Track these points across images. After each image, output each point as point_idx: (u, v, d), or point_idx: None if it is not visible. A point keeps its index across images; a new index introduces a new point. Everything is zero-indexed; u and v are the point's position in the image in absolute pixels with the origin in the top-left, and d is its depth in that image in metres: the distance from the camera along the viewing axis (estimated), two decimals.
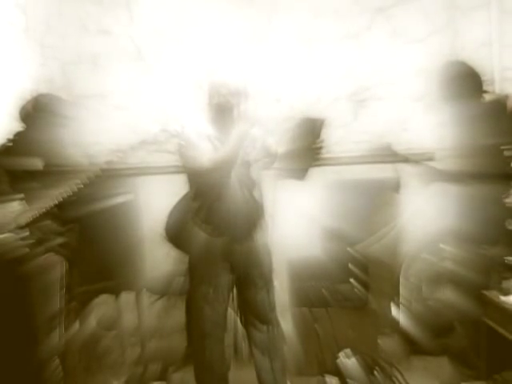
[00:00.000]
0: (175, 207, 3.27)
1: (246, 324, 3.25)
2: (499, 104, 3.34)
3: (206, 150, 3.02)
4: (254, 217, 3.13)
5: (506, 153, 3.21)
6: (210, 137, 3.07)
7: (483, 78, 3.37)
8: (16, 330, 2.94)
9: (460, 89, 3.33)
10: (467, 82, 3.35)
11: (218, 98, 3.06)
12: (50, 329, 3.14)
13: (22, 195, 3.20)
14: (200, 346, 3.17)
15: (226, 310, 3.21)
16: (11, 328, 2.92)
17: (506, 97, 3.37)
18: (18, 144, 3.29)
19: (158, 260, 3.68)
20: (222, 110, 3.05)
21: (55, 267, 3.26)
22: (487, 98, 3.37)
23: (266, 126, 3.16)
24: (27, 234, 3.05)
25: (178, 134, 3.07)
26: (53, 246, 3.24)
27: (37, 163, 3.21)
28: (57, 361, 3.20)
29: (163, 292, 3.74)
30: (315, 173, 3.27)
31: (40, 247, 3.11)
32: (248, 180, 3.10)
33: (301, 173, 3.14)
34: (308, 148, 3.07)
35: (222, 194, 3.02)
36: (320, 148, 3.08)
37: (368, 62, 3.90)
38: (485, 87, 3.37)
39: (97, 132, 3.46)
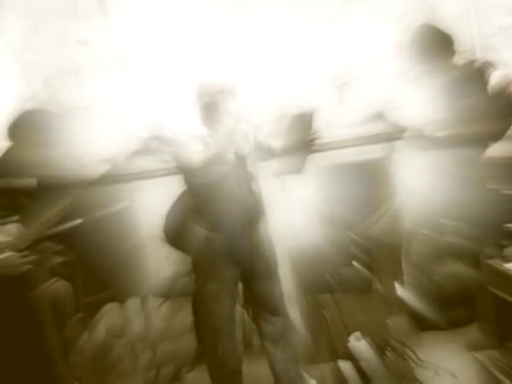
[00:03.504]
0: (171, 208, 3.27)
1: (256, 317, 3.26)
2: (470, 67, 3.40)
3: (198, 149, 3.03)
4: (253, 209, 3.13)
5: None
6: (201, 136, 3.08)
7: (453, 37, 3.43)
8: (32, 356, 2.95)
9: (430, 49, 3.39)
10: (435, 40, 3.42)
11: (206, 98, 3.08)
12: (65, 352, 3.15)
13: (17, 217, 3.20)
14: (212, 342, 3.17)
15: (235, 304, 3.21)
16: (27, 354, 2.93)
17: (473, 61, 3.44)
18: (9, 163, 3.30)
19: (160, 263, 3.69)
20: (211, 109, 3.06)
21: (62, 293, 3.28)
22: (460, 62, 3.44)
23: (254, 119, 3.16)
24: (27, 255, 3.05)
25: (169, 140, 3.07)
26: (54, 266, 3.25)
27: (30, 180, 3.22)
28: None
29: (168, 295, 3.75)
30: (307, 163, 3.29)
31: (42, 269, 3.11)
32: (245, 173, 3.11)
33: (297, 166, 3.17)
34: (302, 142, 3.09)
35: (219, 190, 3.03)
36: (314, 140, 3.10)
37: (347, 44, 3.92)
38: (456, 47, 3.44)
39: (86, 142, 3.46)
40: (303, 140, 3.09)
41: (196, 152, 3.00)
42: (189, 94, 3.14)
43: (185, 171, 3.12)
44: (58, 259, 3.25)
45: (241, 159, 3.10)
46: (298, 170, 3.20)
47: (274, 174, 3.24)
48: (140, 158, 3.49)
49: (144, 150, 3.16)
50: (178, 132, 3.07)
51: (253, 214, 3.14)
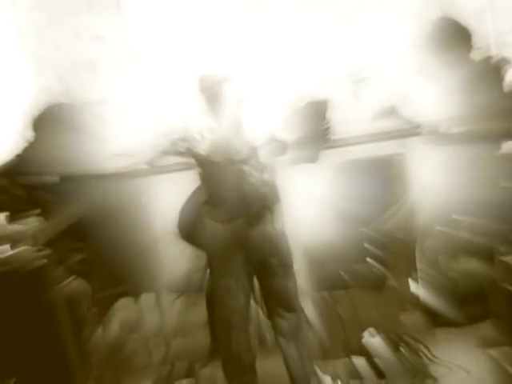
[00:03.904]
0: (186, 203, 3.29)
1: (270, 313, 3.25)
2: (487, 63, 3.42)
3: (208, 140, 3.06)
4: (265, 199, 3.12)
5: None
6: (210, 128, 3.10)
7: (470, 32, 3.47)
8: (48, 354, 2.95)
9: (448, 41, 3.43)
10: (453, 33, 3.46)
11: (206, 91, 3.12)
12: (81, 351, 3.16)
13: (38, 210, 3.20)
14: (226, 338, 3.18)
15: (249, 299, 3.23)
16: (43, 352, 2.93)
17: (490, 58, 3.46)
18: (30, 158, 3.30)
19: (174, 258, 3.69)
20: (214, 101, 3.09)
21: (79, 292, 3.29)
22: (476, 57, 3.47)
23: (270, 115, 3.17)
24: (45, 250, 3.06)
25: (198, 142, 3.09)
26: (72, 264, 3.26)
27: (51, 175, 3.23)
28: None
29: (182, 290, 3.76)
30: (322, 156, 3.29)
31: (60, 267, 3.12)
32: (257, 164, 3.11)
33: (313, 155, 3.17)
34: (316, 131, 3.10)
35: (231, 181, 3.05)
36: (328, 129, 3.12)
37: (363, 40, 3.92)
38: (473, 42, 3.47)
39: (102, 138, 3.46)
40: (317, 129, 3.10)
41: (206, 143, 3.03)
42: (195, 89, 3.16)
43: (197, 163, 3.13)
44: (77, 257, 3.26)
45: (252, 150, 3.10)
46: (313, 160, 3.22)
47: (288, 162, 3.21)
48: (166, 159, 3.50)
49: (172, 152, 3.17)
50: (192, 126, 3.09)
51: (264, 204, 3.13)
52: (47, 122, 3.33)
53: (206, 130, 3.07)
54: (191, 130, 3.08)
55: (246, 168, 3.07)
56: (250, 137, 3.10)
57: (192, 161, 3.14)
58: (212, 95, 3.10)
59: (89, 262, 3.34)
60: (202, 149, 3.03)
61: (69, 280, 3.15)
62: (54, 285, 2.98)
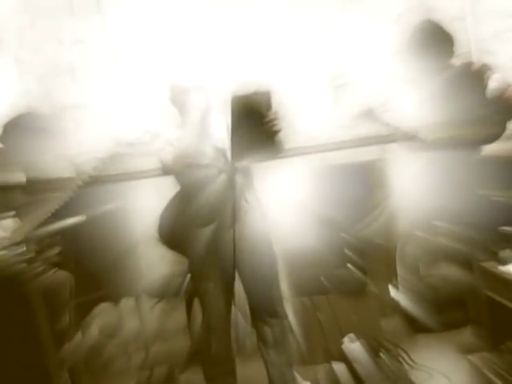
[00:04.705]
0: (166, 208, 3.27)
1: (254, 319, 3.23)
2: (468, 68, 3.43)
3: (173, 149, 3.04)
4: (234, 201, 3.08)
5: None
6: (179, 138, 3.06)
7: (453, 36, 3.47)
8: (23, 346, 2.94)
9: (430, 44, 3.41)
10: (436, 36, 3.44)
11: (174, 102, 3.12)
12: (59, 344, 3.15)
13: (13, 212, 3.21)
14: (206, 340, 3.16)
15: (230, 303, 3.20)
16: (19, 345, 2.92)
17: (471, 63, 3.46)
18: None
19: (154, 263, 3.69)
20: (182, 111, 3.09)
21: (64, 284, 3.28)
22: (457, 63, 3.46)
23: None
24: (24, 249, 3.05)
25: (160, 134, 3.07)
26: (50, 256, 3.25)
27: (21, 178, 3.22)
28: (65, 375, 3.23)
29: (162, 295, 3.75)
30: (302, 161, 3.29)
31: (38, 260, 3.11)
32: (226, 165, 3.06)
33: (270, 151, 3.04)
34: (261, 124, 2.85)
35: (200, 184, 3.03)
36: (274, 119, 2.86)
37: (344, 46, 3.93)
38: (455, 48, 3.47)
39: (80, 142, 3.46)
40: (261, 121, 2.85)
41: (171, 152, 3.01)
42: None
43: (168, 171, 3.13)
44: (55, 249, 3.26)
45: (220, 152, 3.06)
46: (272, 156, 3.03)
47: (238, 158, 3.02)
48: (132, 154, 3.48)
49: (137, 142, 3.16)
50: (161, 132, 3.08)
51: (236, 206, 3.08)
52: (13, 132, 3.34)
53: (173, 140, 3.04)
54: (160, 139, 3.08)
55: (213, 171, 3.05)
56: (217, 139, 3.06)
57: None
58: (180, 104, 3.09)
59: (67, 254, 3.34)
60: (168, 159, 3.02)
61: (52, 271, 3.16)
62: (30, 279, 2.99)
